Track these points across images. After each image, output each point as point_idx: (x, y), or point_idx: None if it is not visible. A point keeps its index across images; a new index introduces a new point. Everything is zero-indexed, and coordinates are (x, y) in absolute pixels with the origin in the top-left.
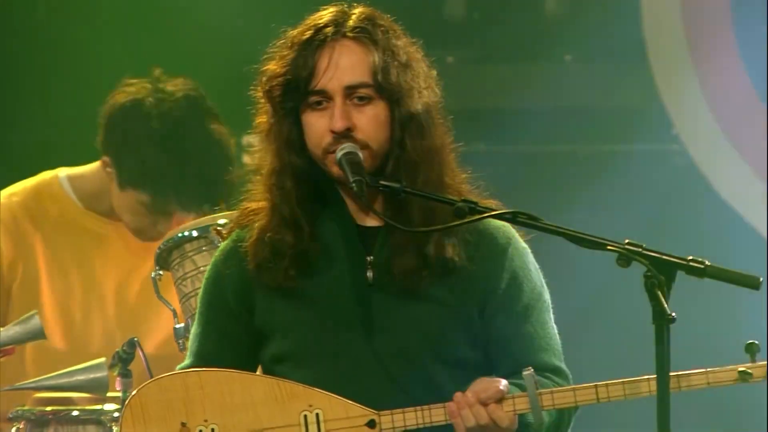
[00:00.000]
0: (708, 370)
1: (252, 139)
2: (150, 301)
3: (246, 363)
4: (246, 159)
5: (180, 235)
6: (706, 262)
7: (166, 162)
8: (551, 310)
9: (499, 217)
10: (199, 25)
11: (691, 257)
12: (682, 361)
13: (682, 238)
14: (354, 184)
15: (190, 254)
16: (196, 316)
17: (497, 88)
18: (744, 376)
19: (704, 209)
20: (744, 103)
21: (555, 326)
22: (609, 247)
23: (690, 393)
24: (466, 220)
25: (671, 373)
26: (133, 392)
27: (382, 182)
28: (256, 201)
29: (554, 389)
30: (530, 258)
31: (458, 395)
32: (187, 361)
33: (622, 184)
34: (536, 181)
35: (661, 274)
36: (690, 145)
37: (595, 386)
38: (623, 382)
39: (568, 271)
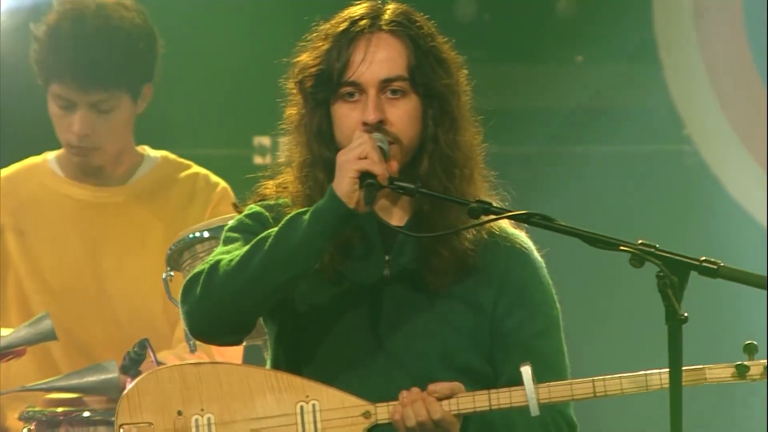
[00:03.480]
0: (705, 366)
1: (264, 140)
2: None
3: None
4: (257, 159)
5: (191, 236)
6: (719, 263)
7: (57, 43)
8: (561, 327)
9: (514, 217)
10: (211, 25)
11: (703, 258)
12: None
13: (694, 238)
14: (365, 188)
15: (201, 255)
16: (224, 242)
17: (508, 89)
18: (741, 370)
19: (715, 209)
20: (755, 103)
21: (563, 343)
22: (622, 248)
23: (690, 394)
24: (479, 222)
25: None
26: (131, 383)
27: (397, 183)
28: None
29: (551, 383)
30: (544, 272)
31: (404, 393)
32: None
33: (633, 184)
34: (547, 181)
35: (673, 274)
36: (701, 146)
37: (592, 380)
38: (620, 377)
39: (576, 271)
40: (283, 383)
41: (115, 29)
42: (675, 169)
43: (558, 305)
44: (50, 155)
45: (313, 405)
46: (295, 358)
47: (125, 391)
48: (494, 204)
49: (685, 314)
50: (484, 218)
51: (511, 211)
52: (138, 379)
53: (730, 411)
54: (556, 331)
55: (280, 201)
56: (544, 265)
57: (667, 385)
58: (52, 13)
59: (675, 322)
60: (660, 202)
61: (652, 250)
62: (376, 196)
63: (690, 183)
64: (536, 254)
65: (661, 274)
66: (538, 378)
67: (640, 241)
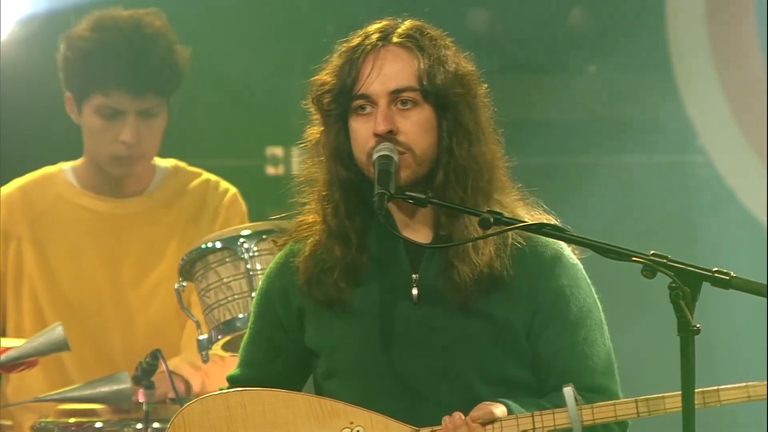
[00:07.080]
0: (748, 384)
1: (276, 151)
2: (143, 275)
3: (296, 375)
4: (270, 170)
5: (203, 246)
6: (732, 274)
7: (102, 53)
8: (605, 328)
9: (525, 228)
10: (224, 36)
11: (716, 268)
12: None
13: (707, 249)
14: (376, 197)
15: (214, 265)
16: (248, 326)
17: (521, 100)
18: None
19: (729, 220)
20: None
21: (609, 345)
22: (634, 258)
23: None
24: (490, 233)
25: (710, 388)
26: (177, 412)
27: (407, 193)
28: (312, 214)
29: (594, 404)
30: (581, 274)
31: (446, 419)
32: (236, 370)
33: (646, 194)
34: (561, 192)
35: (686, 285)
36: (715, 157)
37: (635, 400)
38: (663, 396)
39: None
40: (327, 410)
41: (155, 36)
42: (688, 179)
43: (598, 306)
44: (65, 165)
45: (358, 431)
46: (330, 387)
47: (172, 420)
48: (505, 214)
49: (698, 325)
50: (496, 228)
51: (522, 222)
52: (183, 408)
53: (731, 411)
54: (598, 332)
55: (293, 254)
56: (580, 266)
57: (720, 403)
58: (81, 28)
59: (687, 333)
60: (673, 213)
61: (665, 260)
62: (386, 204)
63: (703, 194)
64: (570, 258)
65: (674, 285)
66: (588, 384)
67: (652, 252)
